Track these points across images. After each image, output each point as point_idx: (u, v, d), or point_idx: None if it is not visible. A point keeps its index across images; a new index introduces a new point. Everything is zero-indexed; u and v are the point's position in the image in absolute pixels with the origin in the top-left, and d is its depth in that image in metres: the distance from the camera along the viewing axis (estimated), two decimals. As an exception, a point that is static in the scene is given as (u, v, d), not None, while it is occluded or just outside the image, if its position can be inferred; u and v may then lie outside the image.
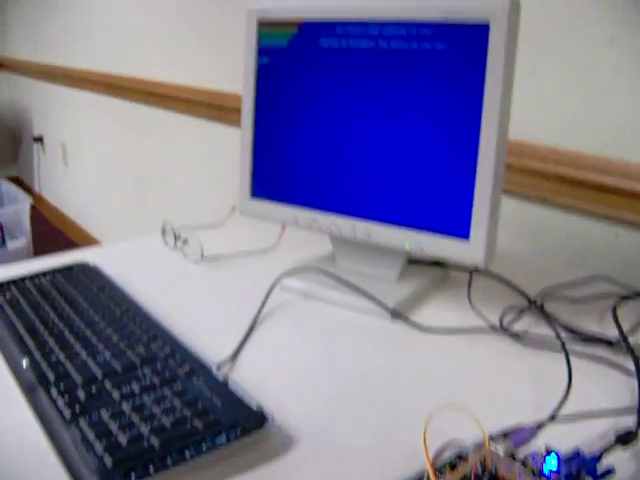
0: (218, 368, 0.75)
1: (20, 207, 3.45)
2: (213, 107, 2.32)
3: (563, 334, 0.86)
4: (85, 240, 3.94)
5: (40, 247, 3.63)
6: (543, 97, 1.24)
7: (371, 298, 0.91)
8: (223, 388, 0.69)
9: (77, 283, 0.98)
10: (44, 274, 1.01)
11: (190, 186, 2.65)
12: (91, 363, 0.73)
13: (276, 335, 0.85)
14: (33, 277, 1.00)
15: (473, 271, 1.03)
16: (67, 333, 0.81)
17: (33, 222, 3.51)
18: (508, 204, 1.32)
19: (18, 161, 5.37)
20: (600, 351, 0.82)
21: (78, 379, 0.70)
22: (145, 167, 3.05)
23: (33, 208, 3.50)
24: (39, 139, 4.65)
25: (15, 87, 5.14)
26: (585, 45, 1.17)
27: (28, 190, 4.94)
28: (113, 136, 3.39)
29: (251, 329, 0.86)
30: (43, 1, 4.17)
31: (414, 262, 1.06)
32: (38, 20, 4.34)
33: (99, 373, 0.71)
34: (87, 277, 1.00)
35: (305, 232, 1.01)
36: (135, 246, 1.19)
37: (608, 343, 0.83)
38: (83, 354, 0.76)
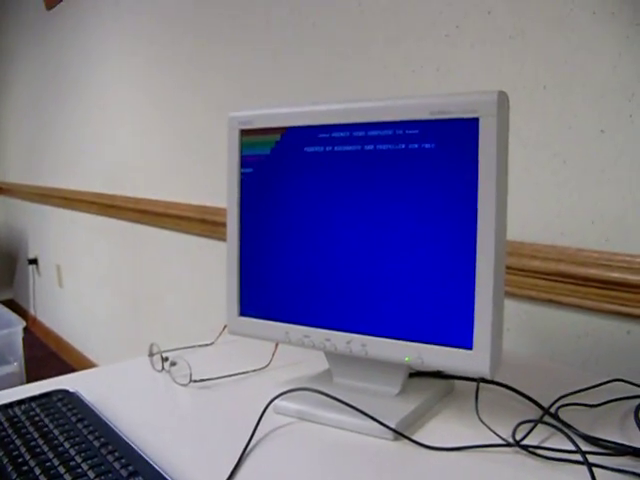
0: (205, 506, 0.68)
1: (13, 331, 3.39)
2: (206, 223, 2.30)
3: (583, 446, 0.80)
4: (81, 363, 3.86)
5: (34, 371, 3.55)
6: (539, 194, 1.21)
7: (371, 418, 0.85)
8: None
9: (54, 412, 0.91)
10: (19, 403, 0.95)
11: (185, 305, 2.61)
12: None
13: (270, 464, 0.79)
14: (7, 406, 0.94)
15: (479, 381, 0.97)
16: (37, 470, 0.74)
17: (28, 345, 3.45)
18: (512, 307, 1.28)
19: (14, 284, 5.35)
20: (626, 462, 0.76)
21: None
22: (140, 287, 3.02)
23: (28, 331, 3.44)
24: (34, 261, 4.64)
25: (11, 210, 5.17)
26: (577, 139, 1.15)
27: (23, 313, 4.89)
28: (107, 256, 3.37)
29: (241, 459, 0.79)
30: (41, 129, 4.24)
31: (416, 374, 1.01)
32: (35, 146, 4.41)
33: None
34: (65, 405, 0.93)
35: (299, 349, 0.97)
36: (121, 370, 1.14)
37: (634, 452, 0.77)
38: (55, 497, 0.68)
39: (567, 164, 1.17)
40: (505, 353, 1.15)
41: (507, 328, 1.28)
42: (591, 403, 0.92)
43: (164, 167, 2.64)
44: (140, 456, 0.78)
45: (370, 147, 0.86)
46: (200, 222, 2.34)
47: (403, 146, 0.84)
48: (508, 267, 1.23)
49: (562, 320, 1.21)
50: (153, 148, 2.72)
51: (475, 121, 0.78)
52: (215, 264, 2.34)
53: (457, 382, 1.03)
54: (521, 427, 0.86)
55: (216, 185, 2.27)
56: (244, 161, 0.99)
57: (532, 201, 1.23)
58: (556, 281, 1.18)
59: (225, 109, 2.19)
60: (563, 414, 0.90)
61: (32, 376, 3.44)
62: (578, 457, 0.75)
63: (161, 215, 2.63)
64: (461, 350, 0.82)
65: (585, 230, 1.15)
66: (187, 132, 2.44)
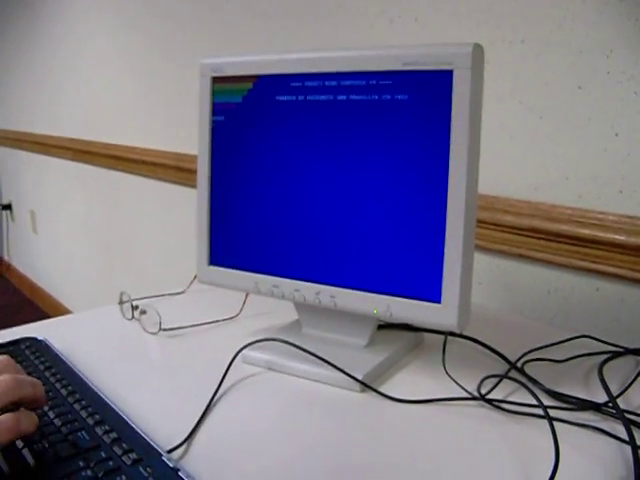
0: (169, 453, 0.68)
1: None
2: (181, 170, 2.28)
3: (547, 401, 0.81)
4: (56, 310, 3.85)
5: (9, 318, 3.54)
6: (513, 149, 1.21)
7: (338, 369, 0.85)
8: (174, 477, 0.62)
9: (21, 360, 0.90)
10: (-14, 351, 0.94)
11: (159, 253, 2.60)
12: (26, 452, 0.66)
13: (237, 413, 0.79)
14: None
15: (448, 335, 0.98)
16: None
17: (1, 292, 3.42)
18: (483, 261, 1.28)
19: (-13, 230, 5.30)
20: (588, 417, 0.77)
21: (5, 469, 0.63)
22: (115, 234, 3.01)
23: (2, 278, 3.41)
24: (7, 206, 4.59)
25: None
26: (553, 94, 1.14)
27: (-3, 259, 4.86)
28: (82, 202, 3.34)
29: (208, 408, 0.80)
30: (17, 75, 4.16)
31: (385, 327, 1.01)
32: (9, 92, 4.33)
33: (32, 463, 0.64)
34: (33, 353, 0.93)
35: (270, 299, 0.97)
36: (91, 318, 1.14)
37: (596, 407, 0.78)
38: (17, 442, 0.68)
39: (543, 119, 1.16)
40: (475, 307, 1.16)
41: (478, 282, 1.29)
42: (557, 359, 0.93)
43: (140, 114, 2.61)
44: (107, 404, 0.77)
45: (343, 97, 0.85)
46: (176, 169, 2.32)
47: (376, 97, 0.83)
48: (481, 221, 1.23)
49: (533, 275, 1.21)
50: (129, 95, 2.68)
51: (449, 73, 0.77)
52: (190, 212, 2.33)
53: (426, 335, 1.04)
54: (487, 381, 0.86)
55: (192, 132, 2.25)
56: (215, 109, 0.97)
57: (506, 156, 1.22)
58: (528, 236, 1.18)
59: (200, 57, 2.15)
60: (529, 369, 0.90)
61: (6, 323, 3.43)
62: (541, 412, 0.76)
63: (137, 162, 2.61)
64: (429, 303, 0.82)
65: (559, 186, 1.15)
66: (162, 80, 2.41)
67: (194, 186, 2.24)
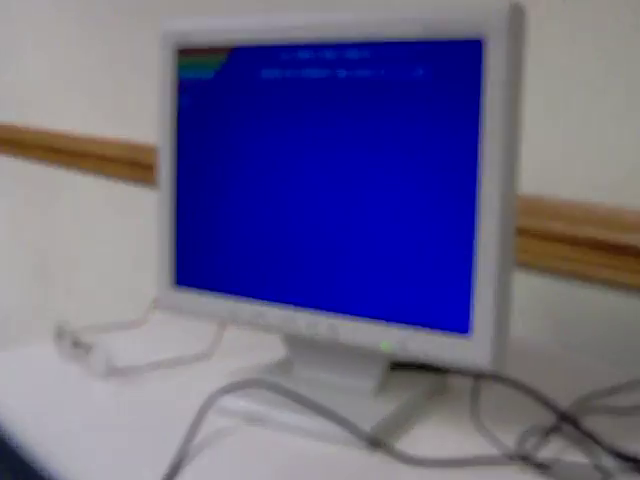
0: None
1: None
2: (138, 166, 2.29)
3: (608, 462, 0.82)
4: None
5: None
6: (565, 136, 1.22)
7: (340, 421, 0.86)
8: None
9: None
10: None
11: (110, 270, 2.61)
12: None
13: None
14: None
15: (479, 376, 0.99)
16: None
17: None
18: (525, 281, 1.30)
19: None
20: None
21: None
22: (51, 245, 3.01)
23: None
24: None
25: None
26: (617, 64, 1.15)
27: None
28: (8, 204, 3.35)
29: (173, 473, 0.81)
30: None
31: (399, 366, 1.03)
32: None
33: None
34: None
35: (251, 331, 0.98)
36: (19, 357, 1.14)
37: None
38: None
39: (605, 96, 1.17)
40: (514, 340, 1.17)
41: (519, 309, 1.30)
42: (621, 407, 0.95)
43: (85, 94, 2.62)
44: (38, 470, 0.79)
45: (343, 74, 0.87)
46: (130, 164, 2.33)
47: (386, 73, 0.84)
48: (522, 230, 1.24)
49: (590, 300, 1.22)
50: (71, 70, 2.70)
51: (478, 43, 0.78)
52: (149, 219, 2.34)
53: (451, 376, 1.05)
54: (530, 436, 0.87)
55: (152, 117, 2.26)
56: (181, 88, 0.99)
57: (556, 145, 1.23)
58: (585, 250, 1.19)
59: (161, 22, 2.17)
60: (585, 421, 0.91)
61: None
62: (600, 476, 0.77)
63: (80, 154, 2.61)
64: (455, 336, 0.83)
65: (626, 184, 1.17)
66: (113, 51, 2.42)
67: (154, 186, 2.26)
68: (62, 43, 2.73)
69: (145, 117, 2.30)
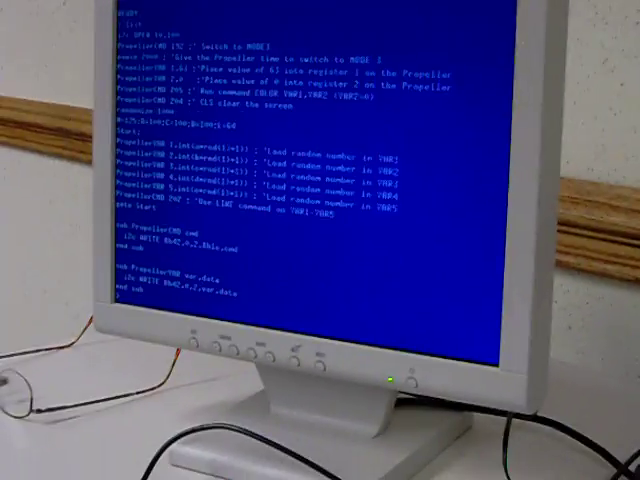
0: None
1: None
2: (69, 135, 2.29)
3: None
4: None
5: None
6: (623, 104, 1.23)
7: (331, 478, 0.87)
8: None
9: None
10: None
11: (32, 278, 2.60)
12: None
13: None
14: None
15: (512, 417, 1.00)
16: None
17: None
18: (572, 290, 1.31)
19: None
20: None
21: None
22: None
23: None
24: None
25: None
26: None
27: None
28: None
29: None
30: None
31: (407, 402, 1.03)
32: None
33: None
34: None
35: (216, 358, 0.99)
36: None
37: None
38: None
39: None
40: (558, 369, 1.18)
41: (567, 326, 1.30)
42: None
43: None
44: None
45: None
46: (59, 134, 2.33)
47: (384, 18, 0.86)
48: (568, 225, 1.25)
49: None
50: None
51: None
52: (86, 207, 2.33)
53: (477, 416, 1.06)
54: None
55: (86, 72, 2.26)
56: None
57: (612, 117, 1.24)
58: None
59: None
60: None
61: None
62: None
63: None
64: (481, 367, 0.84)
65: None
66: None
67: (88, 161, 2.25)
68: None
69: (73, 70, 2.29)
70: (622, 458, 0.94)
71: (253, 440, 0.92)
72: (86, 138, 2.20)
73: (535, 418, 1.01)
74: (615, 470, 0.92)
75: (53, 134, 2.37)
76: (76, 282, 2.41)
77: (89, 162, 2.15)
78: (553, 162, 0.82)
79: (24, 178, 2.59)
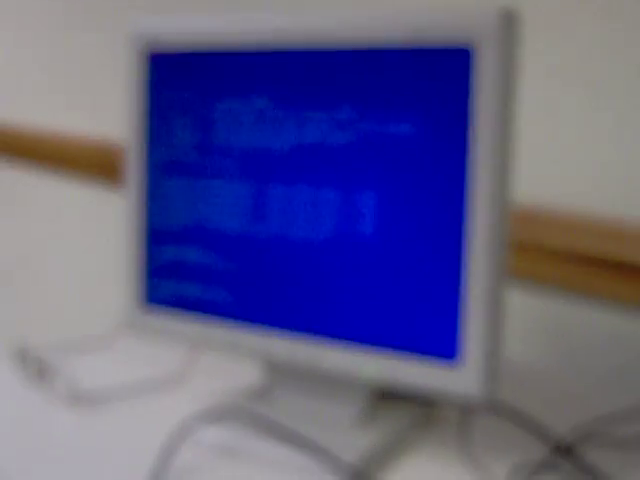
0: None
1: None
2: (110, 166, 2.27)
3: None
4: None
5: None
6: (567, 140, 1.25)
7: (321, 453, 0.89)
8: None
9: None
10: None
11: (75, 283, 2.57)
12: None
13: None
14: None
15: (468, 405, 1.02)
16: None
17: None
18: (520, 299, 1.32)
19: None
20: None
21: None
22: (9, 252, 2.98)
23: None
24: None
25: None
26: (626, 68, 1.18)
27: None
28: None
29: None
30: None
31: (385, 396, 1.05)
32: None
33: None
34: None
35: (227, 355, 0.99)
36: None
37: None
38: None
39: (611, 101, 1.19)
40: (506, 363, 1.19)
41: (511, 329, 1.32)
42: (625, 437, 0.96)
43: (47, 84, 2.60)
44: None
45: (323, 80, 0.91)
46: (101, 164, 2.31)
47: (367, 83, 0.88)
48: (519, 243, 1.26)
49: (590, 319, 1.24)
50: (30, 59, 2.67)
51: (466, 51, 0.82)
52: (117, 226, 2.31)
53: (440, 406, 1.07)
54: (523, 470, 0.89)
55: (123, 110, 2.24)
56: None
57: (556, 148, 1.25)
58: (585, 265, 1.21)
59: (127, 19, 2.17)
60: (585, 453, 0.93)
61: None
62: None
63: (42, 152, 2.58)
64: (442, 362, 0.86)
65: (631, 196, 1.18)
66: (85, 36, 2.41)
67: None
68: (25, 36, 2.71)
69: (117, 113, 2.29)
70: (560, 437, 0.96)
71: (259, 423, 0.95)
72: (120, 170, 2.20)
73: (487, 405, 1.02)
74: (552, 447, 0.93)
75: (94, 167, 2.35)
76: (114, 285, 2.40)
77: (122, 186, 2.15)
78: (504, 193, 0.83)
79: (69, 202, 2.57)
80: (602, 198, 1.22)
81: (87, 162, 2.39)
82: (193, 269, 1.02)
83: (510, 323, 1.30)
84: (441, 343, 0.86)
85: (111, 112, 2.30)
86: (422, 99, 0.85)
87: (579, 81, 1.23)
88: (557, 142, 1.25)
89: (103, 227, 2.40)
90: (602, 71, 1.20)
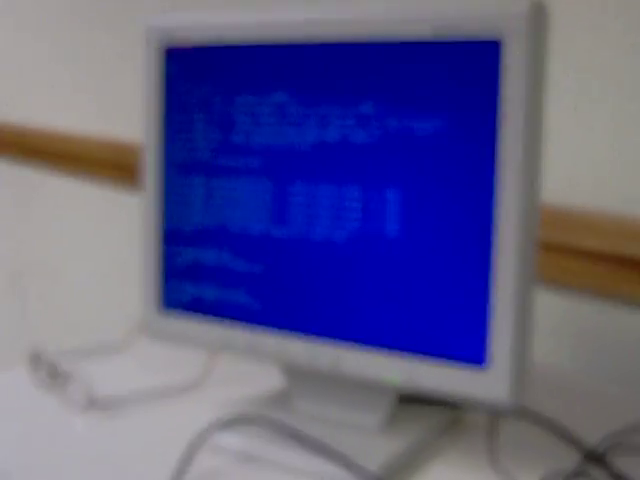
0: None
1: None
2: (125, 168, 2.28)
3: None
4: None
5: None
6: (595, 142, 1.23)
7: (343, 461, 0.87)
8: None
9: None
10: None
11: (92, 286, 2.59)
12: None
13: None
14: None
15: (496, 411, 0.99)
16: None
17: None
18: (550, 303, 1.30)
19: None
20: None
21: None
22: (24, 256, 3.00)
23: None
24: None
25: None
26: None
27: None
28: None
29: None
30: None
31: (408, 400, 1.03)
32: None
33: None
34: None
35: (245, 359, 0.99)
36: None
37: None
38: None
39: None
40: (536, 367, 1.17)
41: (541, 331, 1.30)
42: (655, 443, 0.95)
43: (63, 84, 2.62)
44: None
45: (346, 76, 0.89)
46: (116, 166, 2.32)
47: (393, 78, 0.86)
48: (549, 245, 1.25)
49: (622, 322, 1.23)
50: (46, 58, 2.69)
51: (495, 44, 0.79)
52: (136, 227, 2.33)
53: (467, 410, 1.05)
54: (554, 478, 0.88)
55: (139, 114, 2.26)
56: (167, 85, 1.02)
57: (586, 151, 1.23)
58: (618, 268, 1.20)
59: (145, 15, 2.17)
60: (617, 461, 0.91)
61: None
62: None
63: (58, 154, 2.60)
64: (469, 367, 0.84)
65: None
66: (100, 46, 2.42)
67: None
68: (42, 35, 2.72)
69: (133, 112, 2.29)
70: (591, 444, 0.94)
71: (280, 430, 0.93)
72: (137, 170, 2.21)
73: (516, 411, 1.01)
74: (584, 455, 0.91)
75: (110, 167, 2.36)
76: (131, 287, 2.40)
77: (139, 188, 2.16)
78: (533, 193, 0.81)
79: (84, 204, 2.58)
80: (632, 199, 1.20)
81: (104, 163, 2.40)
82: (212, 271, 1.00)
83: (537, 324, 1.29)
84: (468, 347, 0.84)
85: (128, 111, 2.30)
86: (448, 94, 0.83)
87: (612, 81, 1.20)
88: (587, 142, 1.24)
89: (120, 229, 2.42)
90: (635, 72, 1.18)
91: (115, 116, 2.37)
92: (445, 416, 1.01)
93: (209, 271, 1.00)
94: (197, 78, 0.99)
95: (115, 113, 2.36)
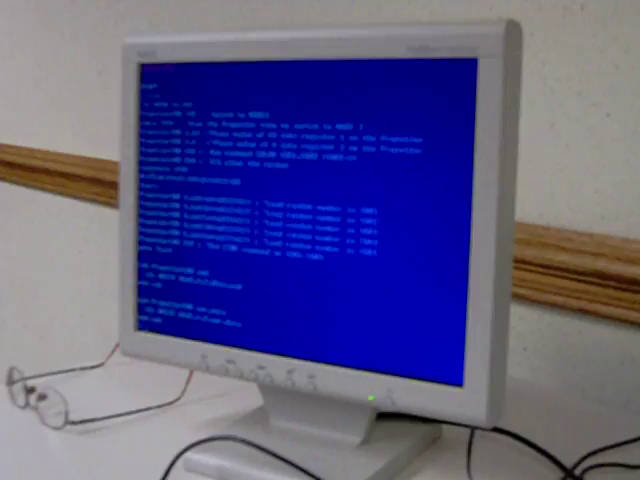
0: None
1: None
2: (102, 184, 2.28)
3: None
4: None
5: None
6: (570, 161, 1.23)
7: (320, 480, 0.86)
8: None
9: None
10: None
11: (70, 304, 2.59)
12: None
13: None
14: None
15: (474, 428, 0.99)
16: None
17: None
18: (527, 318, 1.30)
19: None
20: None
21: None
22: (2, 274, 2.99)
23: None
24: None
25: None
26: (627, 83, 1.16)
27: None
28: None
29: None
30: None
31: (386, 416, 1.03)
32: None
33: None
34: None
35: (222, 379, 0.98)
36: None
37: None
38: None
39: (611, 118, 1.18)
40: (515, 386, 1.17)
41: (522, 348, 1.30)
42: (634, 463, 0.94)
43: (41, 103, 2.61)
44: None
45: (323, 93, 0.89)
46: (94, 182, 2.32)
47: (369, 97, 0.86)
48: (522, 262, 1.25)
49: (599, 338, 1.23)
50: (26, 76, 2.69)
51: (472, 62, 0.79)
52: (116, 244, 2.33)
53: (445, 426, 1.05)
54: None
55: (116, 130, 2.26)
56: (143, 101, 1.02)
57: (560, 170, 1.24)
58: (592, 283, 1.20)
59: (124, 33, 2.17)
60: (593, 478, 0.91)
61: None
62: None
63: (38, 171, 2.60)
64: (446, 387, 0.83)
65: (635, 213, 1.17)
66: (78, 57, 2.42)
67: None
68: (20, 50, 2.72)
69: (110, 131, 2.29)
70: (570, 464, 0.94)
71: (255, 449, 0.92)
72: (117, 186, 2.20)
73: (495, 429, 1.01)
74: (563, 474, 0.91)
75: (89, 183, 2.36)
76: (110, 304, 2.40)
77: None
78: (508, 211, 0.82)
79: (64, 220, 2.58)
80: (608, 216, 1.20)
81: (84, 180, 2.40)
82: (189, 290, 1.00)
83: (514, 340, 1.29)
84: (444, 367, 0.84)
85: (109, 127, 2.30)
86: (425, 113, 0.83)
87: (588, 99, 1.21)
88: (563, 159, 1.24)
89: (100, 247, 2.41)
90: (611, 89, 1.18)
91: (95, 132, 2.36)
92: (424, 432, 1.00)
93: (186, 290, 1.00)
94: (174, 96, 0.99)
95: (96, 129, 2.36)
